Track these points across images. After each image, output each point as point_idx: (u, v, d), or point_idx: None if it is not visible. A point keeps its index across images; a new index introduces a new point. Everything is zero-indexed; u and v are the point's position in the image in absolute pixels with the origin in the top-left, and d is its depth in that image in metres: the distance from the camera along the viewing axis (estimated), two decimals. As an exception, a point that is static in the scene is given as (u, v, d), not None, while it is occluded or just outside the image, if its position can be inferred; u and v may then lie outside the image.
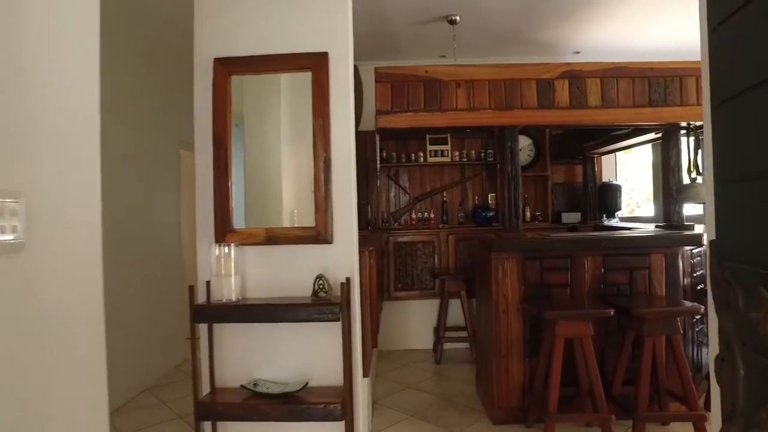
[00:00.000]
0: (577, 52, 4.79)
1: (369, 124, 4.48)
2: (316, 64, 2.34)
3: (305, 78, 2.38)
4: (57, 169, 1.06)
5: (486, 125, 2.98)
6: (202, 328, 2.35)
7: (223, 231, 2.35)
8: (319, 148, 2.33)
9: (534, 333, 2.91)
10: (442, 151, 4.96)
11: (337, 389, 2.28)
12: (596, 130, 3.93)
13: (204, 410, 2.16)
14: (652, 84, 2.97)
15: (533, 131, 5.01)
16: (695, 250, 3.23)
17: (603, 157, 5.00)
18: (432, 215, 5.03)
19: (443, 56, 4.81)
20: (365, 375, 2.53)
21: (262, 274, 2.38)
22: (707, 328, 3.36)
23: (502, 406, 2.96)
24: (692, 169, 3.28)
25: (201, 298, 2.31)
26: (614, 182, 4.78)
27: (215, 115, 2.35)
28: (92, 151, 1.21)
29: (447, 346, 4.46)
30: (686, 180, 3.34)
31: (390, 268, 4.55)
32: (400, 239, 4.57)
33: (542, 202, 5.09)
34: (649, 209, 6.26)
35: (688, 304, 2.71)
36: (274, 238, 2.34)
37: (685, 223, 3.24)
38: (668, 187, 3.28)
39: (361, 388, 2.48)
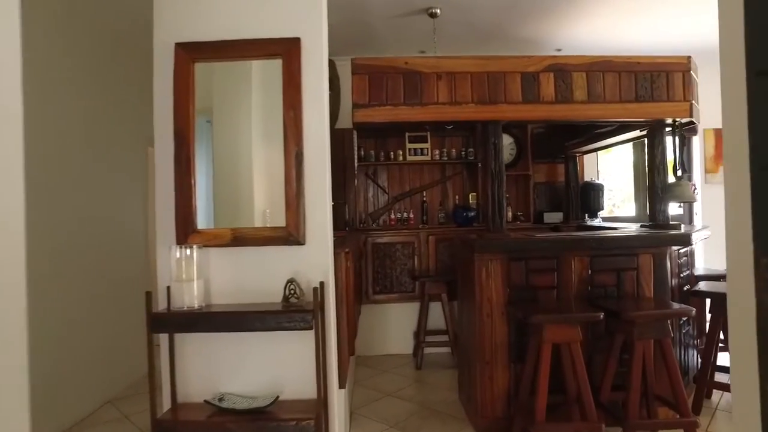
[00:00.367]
0: (559, 50, 4.71)
1: (346, 121, 4.30)
2: (287, 50, 2.16)
3: (277, 68, 2.20)
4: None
5: (468, 120, 2.84)
6: (163, 337, 2.16)
7: (185, 232, 2.15)
8: (290, 141, 2.15)
9: (519, 338, 2.77)
10: (421, 149, 4.82)
11: (310, 403, 2.10)
12: (580, 128, 3.83)
13: (163, 429, 1.96)
14: (639, 79, 2.87)
15: (515, 129, 4.92)
16: (682, 250, 3.15)
17: (584, 157, 4.92)
18: (411, 215, 4.88)
19: (423, 51, 4.68)
20: (341, 386, 2.36)
21: (229, 278, 2.19)
22: (694, 329, 3.29)
23: (486, 415, 2.82)
24: (677, 168, 3.20)
25: (162, 305, 2.12)
26: (596, 181, 4.71)
27: (176, 106, 2.15)
28: (11, 152, 1.01)
29: (428, 350, 4.31)
30: (671, 179, 3.26)
31: (368, 270, 4.38)
32: (379, 240, 4.41)
33: (524, 201, 4.99)
34: (628, 209, 6.24)
35: (677, 305, 2.61)
36: (241, 239, 2.15)
37: (671, 223, 3.16)
38: (653, 186, 3.19)
39: (337, 400, 2.30)
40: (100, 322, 3.52)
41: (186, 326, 1.98)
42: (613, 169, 6.25)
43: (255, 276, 2.18)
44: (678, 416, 2.58)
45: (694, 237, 2.81)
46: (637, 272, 2.80)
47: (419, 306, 4.33)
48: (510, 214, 4.82)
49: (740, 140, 0.80)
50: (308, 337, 2.08)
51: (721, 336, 3.32)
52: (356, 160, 4.69)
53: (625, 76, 2.87)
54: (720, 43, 0.94)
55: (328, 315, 2.17)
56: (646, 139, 3.28)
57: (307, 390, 2.15)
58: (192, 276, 2.03)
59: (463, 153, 4.85)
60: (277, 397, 2.09)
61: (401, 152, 4.80)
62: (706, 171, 5.21)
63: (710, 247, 4.73)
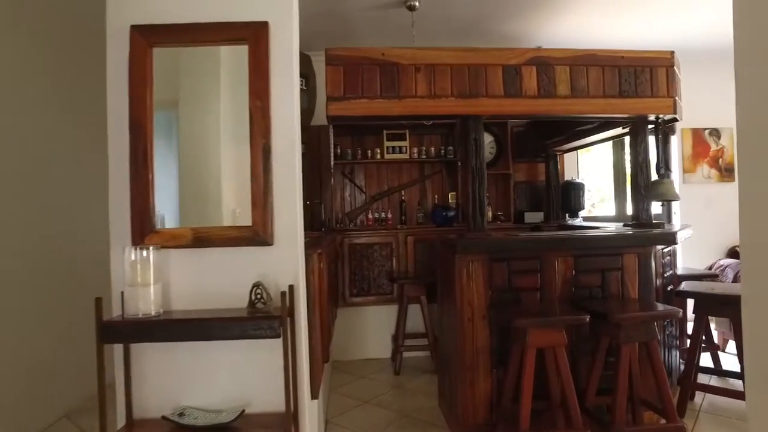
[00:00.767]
0: (540, 47, 4.64)
1: (323, 118, 4.14)
2: (253, 35, 2.00)
3: (246, 54, 2.03)
4: None
5: (448, 114, 2.71)
6: (118, 347, 1.97)
7: (142, 232, 1.97)
8: (256, 133, 1.98)
9: (502, 342, 2.66)
10: (400, 147, 4.70)
11: (280, 416, 1.95)
12: (562, 125, 3.75)
13: (115, 450, 1.78)
14: (623, 74, 2.79)
15: (495, 128, 4.83)
16: (665, 250, 3.08)
17: (565, 156, 4.86)
18: (389, 215, 4.75)
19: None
20: (314, 397, 2.20)
21: (190, 282, 2.02)
22: (676, 330, 3.22)
23: (467, 423, 2.69)
24: (661, 166, 3.14)
25: (117, 312, 1.93)
26: (577, 180, 4.65)
27: (132, 94, 1.97)
28: None
29: (406, 354, 4.17)
30: (653, 177, 3.19)
31: (345, 272, 4.22)
32: (356, 241, 4.26)
33: (504, 201, 4.91)
34: (606, 209, 6.22)
35: (662, 307, 2.53)
36: (203, 239, 1.98)
37: (655, 222, 3.09)
38: (636, 185, 3.11)
39: (309, 412, 2.15)
40: (56, 329, 3.28)
41: (141, 335, 1.80)
42: (590, 169, 6.22)
43: (219, 279, 2.01)
44: (664, 421, 2.50)
45: (679, 236, 2.73)
46: (622, 272, 2.72)
47: (398, 309, 4.19)
48: (490, 214, 4.72)
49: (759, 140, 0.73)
50: (277, 344, 1.92)
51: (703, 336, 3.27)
52: (332, 158, 4.53)
53: (608, 71, 2.79)
54: (735, 40, 0.86)
55: (298, 321, 2.01)
56: (628, 137, 3.21)
57: (277, 402, 1.99)
58: (148, 280, 1.85)
59: (442, 151, 4.74)
60: (243, 410, 1.92)
61: (379, 150, 4.67)
62: (684, 171, 5.21)
63: (687, 246, 4.72)
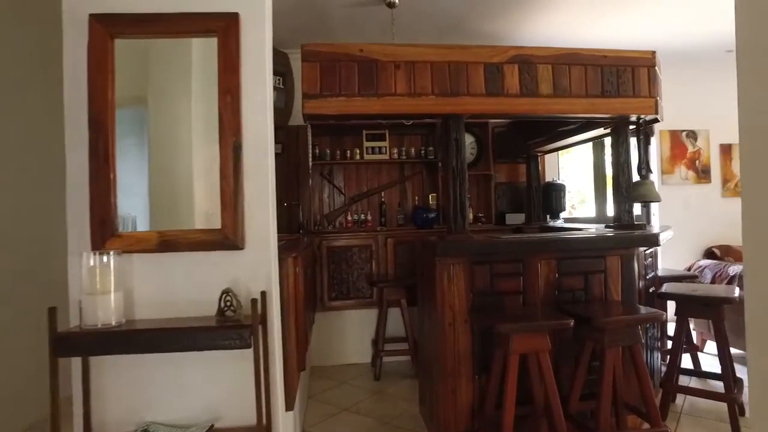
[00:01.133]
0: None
1: (300, 118, 4.03)
2: (223, 27, 1.89)
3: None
4: None
5: (429, 113, 2.63)
6: (77, 358, 1.84)
7: (103, 235, 1.84)
8: (226, 131, 1.87)
9: (484, 347, 2.59)
10: (379, 148, 4.61)
11: (252, 430, 1.83)
12: (544, 125, 3.71)
13: (71, 471, 1.64)
14: (605, 73, 2.75)
15: (476, 128, 4.78)
16: (647, 251, 3.06)
17: (546, 157, 4.83)
18: (369, 217, 4.65)
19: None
20: (288, 408, 2.09)
21: (156, 289, 1.90)
22: (657, 331, 3.20)
23: (449, 430, 2.61)
24: (642, 167, 3.11)
25: (75, 321, 1.80)
26: (558, 182, 4.62)
27: (92, 89, 1.84)
28: None
29: (387, 359, 4.08)
30: (635, 178, 3.17)
31: (323, 276, 4.11)
32: (335, 243, 4.15)
33: (485, 202, 4.86)
34: (586, 210, 6.24)
35: (644, 310, 2.49)
36: (169, 243, 1.86)
37: (637, 223, 3.06)
38: (618, 186, 3.08)
39: (284, 424, 2.04)
40: (13, 340, 3.09)
41: (99, 348, 1.67)
42: (570, 170, 6.23)
43: (186, 286, 1.89)
44: (648, 425, 2.46)
45: (662, 237, 2.70)
46: (606, 275, 2.67)
47: (377, 312, 4.10)
48: (471, 215, 4.66)
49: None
50: (249, 354, 1.81)
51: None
52: (311, 159, 4.42)
53: (591, 70, 2.75)
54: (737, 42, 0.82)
55: (271, 329, 1.90)
56: (610, 138, 3.18)
57: (249, 415, 1.87)
58: (108, 287, 1.72)
59: (422, 152, 4.67)
60: (213, 425, 1.82)
61: (358, 151, 4.57)
62: (663, 172, 5.23)
63: (665, 246, 4.73)
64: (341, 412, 3.27)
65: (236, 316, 1.75)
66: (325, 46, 2.60)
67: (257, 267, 1.89)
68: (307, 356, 3.46)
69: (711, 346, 4.29)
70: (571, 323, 2.23)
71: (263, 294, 1.84)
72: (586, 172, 5.84)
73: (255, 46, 1.94)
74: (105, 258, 1.74)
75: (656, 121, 3.01)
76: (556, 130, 3.62)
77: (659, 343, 3.37)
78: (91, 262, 1.72)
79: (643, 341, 2.64)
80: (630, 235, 2.72)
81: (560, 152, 5.04)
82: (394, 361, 4.20)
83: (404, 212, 4.77)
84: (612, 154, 3.13)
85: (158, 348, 1.68)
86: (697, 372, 3.46)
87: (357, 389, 3.72)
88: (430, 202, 4.72)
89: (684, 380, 3.40)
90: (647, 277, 2.98)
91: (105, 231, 1.84)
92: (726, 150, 5.38)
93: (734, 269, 4.04)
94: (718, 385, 3.27)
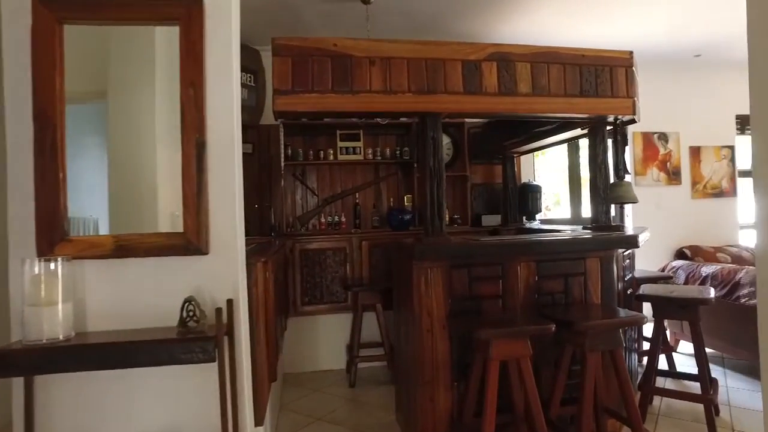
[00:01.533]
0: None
1: (272, 117, 3.89)
2: (185, 15, 1.75)
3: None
4: None
5: (405, 111, 2.53)
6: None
7: (51, 240, 1.68)
8: (189, 127, 1.74)
9: (463, 353, 2.50)
10: (353, 148, 4.49)
11: (217, 450, 1.70)
12: (520, 125, 3.66)
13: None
14: (584, 72, 2.71)
15: (452, 129, 4.72)
16: (626, 253, 3.03)
17: (521, 158, 4.80)
18: (343, 219, 4.53)
19: (355, 43, 4.36)
20: (258, 423, 1.96)
21: (112, 298, 1.74)
22: (635, 333, 3.18)
23: (426, 440, 2.52)
24: (620, 168, 3.09)
25: (15, 336, 1.64)
26: (534, 183, 4.59)
27: (37, 80, 1.68)
28: None
29: (362, 365, 3.97)
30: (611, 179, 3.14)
31: (296, 280, 3.97)
32: (308, 246, 4.02)
33: (461, 204, 4.79)
34: (560, 211, 6.26)
35: (624, 313, 2.44)
36: (126, 248, 1.71)
37: (615, 224, 3.03)
38: (595, 187, 3.05)
39: (253, 441, 1.91)
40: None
41: (44, 366, 1.51)
42: (545, 171, 6.24)
43: (145, 295, 1.74)
44: (629, 430, 2.42)
45: (641, 238, 2.67)
46: (585, 277, 2.62)
47: (352, 317, 3.98)
48: (447, 216, 4.59)
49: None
50: (213, 368, 1.68)
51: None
52: (283, 159, 4.28)
53: (570, 69, 2.70)
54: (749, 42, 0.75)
55: (238, 339, 1.77)
56: (588, 138, 3.15)
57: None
58: (55, 298, 1.56)
59: (397, 152, 4.58)
60: (174, 446, 1.67)
61: (332, 151, 4.45)
62: (636, 174, 5.27)
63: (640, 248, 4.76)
64: (315, 422, 3.14)
65: (200, 327, 1.61)
66: (298, 39, 2.47)
67: (223, 273, 1.76)
68: (279, 364, 3.33)
69: (684, 346, 4.33)
70: (553, 328, 2.17)
71: (229, 302, 1.71)
72: (560, 174, 5.85)
73: (221, 36, 1.81)
74: (52, 265, 1.58)
75: (633, 121, 2.99)
76: (532, 131, 3.58)
77: (636, 345, 3.36)
78: (35, 270, 1.56)
79: (624, 345, 2.61)
80: (609, 236, 2.68)
81: (535, 153, 5.02)
82: (369, 367, 4.10)
83: (379, 214, 4.67)
84: (589, 155, 3.09)
85: (112, 364, 1.54)
86: (672, 373, 3.47)
87: (331, 397, 3.59)
88: (406, 204, 4.64)
89: (660, 381, 3.40)
90: (625, 279, 2.95)
91: (53, 235, 1.68)
92: (695, 152, 5.47)
93: (706, 270, 4.08)
94: (693, 386, 3.28)
